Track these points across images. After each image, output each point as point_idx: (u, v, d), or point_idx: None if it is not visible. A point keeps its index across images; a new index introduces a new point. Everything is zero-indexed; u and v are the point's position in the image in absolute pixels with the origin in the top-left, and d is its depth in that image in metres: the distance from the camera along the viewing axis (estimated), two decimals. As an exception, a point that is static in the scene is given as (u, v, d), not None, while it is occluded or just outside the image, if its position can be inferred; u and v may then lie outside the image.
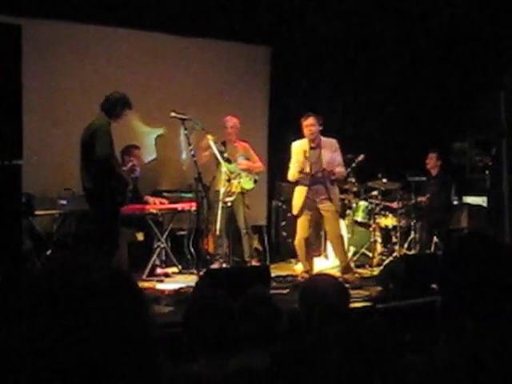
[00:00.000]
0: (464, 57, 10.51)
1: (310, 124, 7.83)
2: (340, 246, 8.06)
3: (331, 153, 7.88)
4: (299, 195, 7.97)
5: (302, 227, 7.95)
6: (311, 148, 7.89)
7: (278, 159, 10.78)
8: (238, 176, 8.46)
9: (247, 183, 8.60)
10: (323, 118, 8.00)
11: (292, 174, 7.96)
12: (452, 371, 1.86)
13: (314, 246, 8.63)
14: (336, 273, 8.36)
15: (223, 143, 8.48)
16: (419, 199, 9.82)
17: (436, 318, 2.04)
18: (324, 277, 3.44)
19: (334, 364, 2.12)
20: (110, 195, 7.13)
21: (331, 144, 7.96)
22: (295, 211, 8.02)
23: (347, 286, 7.30)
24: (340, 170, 7.97)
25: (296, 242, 8.01)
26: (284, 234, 10.39)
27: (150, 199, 8.73)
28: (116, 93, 7.38)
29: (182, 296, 6.84)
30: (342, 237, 8.18)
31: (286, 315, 3.41)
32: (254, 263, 8.69)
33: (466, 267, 1.95)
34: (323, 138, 7.95)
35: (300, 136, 8.01)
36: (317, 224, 8.04)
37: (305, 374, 2.28)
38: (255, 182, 8.74)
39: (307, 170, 7.82)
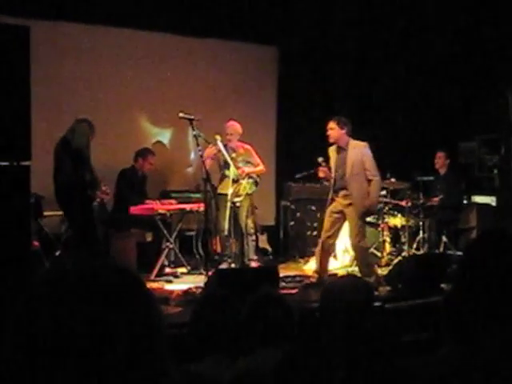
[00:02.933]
0: (473, 57, 10.49)
1: (328, 128, 7.73)
2: (358, 253, 7.94)
3: (357, 156, 7.69)
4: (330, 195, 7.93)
5: (324, 227, 7.88)
6: (338, 152, 7.80)
7: (286, 159, 10.80)
8: (246, 177, 8.47)
9: (249, 187, 8.60)
10: (351, 120, 7.83)
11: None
12: (461, 373, 1.85)
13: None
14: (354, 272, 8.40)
15: (225, 146, 8.45)
16: (432, 200, 9.79)
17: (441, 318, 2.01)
18: (349, 278, 3.42)
19: (342, 365, 2.12)
20: (81, 187, 7.38)
21: (358, 145, 7.76)
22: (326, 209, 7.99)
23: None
24: (372, 187, 7.70)
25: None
26: (292, 233, 10.38)
27: (153, 203, 8.69)
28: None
29: (190, 296, 6.85)
30: (360, 247, 7.86)
31: (297, 315, 3.41)
32: (254, 264, 8.68)
33: (486, 266, 1.94)
34: (352, 141, 7.78)
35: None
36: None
37: (314, 375, 2.28)
38: (256, 184, 8.72)
39: (332, 174, 7.82)
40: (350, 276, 4.55)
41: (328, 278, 7.66)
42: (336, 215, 7.80)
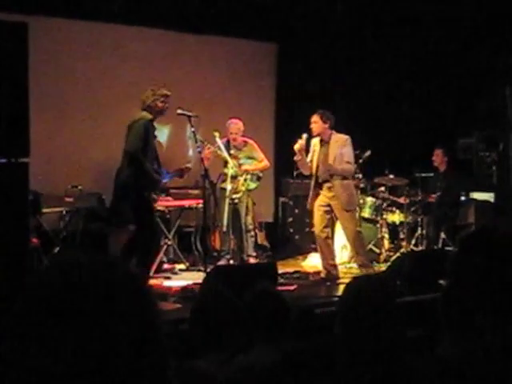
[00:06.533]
0: (470, 52, 10.47)
1: (312, 121, 7.89)
2: (353, 243, 8.06)
3: (339, 149, 7.84)
4: (311, 190, 8.06)
5: (315, 222, 8.00)
6: (321, 145, 7.94)
7: (284, 156, 10.78)
8: (244, 173, 8.47)
9: (250, 184, 8.60)
10: (333, 113, 7.97)
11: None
12: (460, 369, 1.85)
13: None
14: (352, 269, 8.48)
15: (228, 142, 8.47)
16: (431, 196, 9.79)
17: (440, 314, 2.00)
18: (368, 279, 3.40)
19: (347, 363, 2.12)
20: (136, 189, 6.97)
21: (340, 139, 7.91)
22: (309, 206, 8.14)
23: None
24: (343, 166, 7.84)
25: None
26: (291, 230, 10.39)
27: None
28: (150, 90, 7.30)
29: (189, 293, 6.84)
30: (355, 233, 8.06)
31: (296, 312, 3.41)
32: (253, 261, 8.68)
33: (481, 261, 1.94)
34: (335, 134, 7.93)
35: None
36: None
37: (317, 372, 2.29)
38: (259, 179, 8.72)
39: (312, 166, 7.94)
40: (366, 277, 4.55)
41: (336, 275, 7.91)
42: (324, 208, 7.94)
